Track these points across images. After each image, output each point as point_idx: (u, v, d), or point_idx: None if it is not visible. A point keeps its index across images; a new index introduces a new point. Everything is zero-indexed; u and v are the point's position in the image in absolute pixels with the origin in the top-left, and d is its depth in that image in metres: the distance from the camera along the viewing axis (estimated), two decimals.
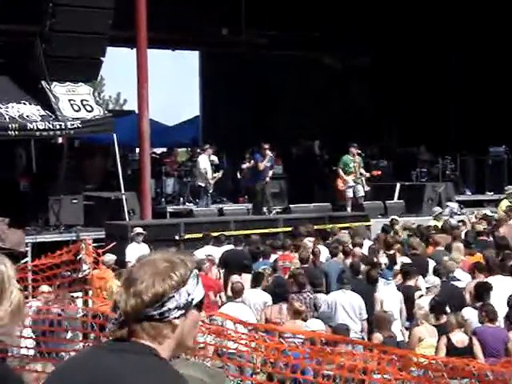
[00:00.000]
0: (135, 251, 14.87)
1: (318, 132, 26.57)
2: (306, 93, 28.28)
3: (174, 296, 2.63)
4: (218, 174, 21.40)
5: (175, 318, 2.64)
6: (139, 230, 15.39)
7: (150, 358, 2.60)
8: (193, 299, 2.67)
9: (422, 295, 11.41)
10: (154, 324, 2.63)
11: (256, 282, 12.12)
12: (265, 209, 20.98)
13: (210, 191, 20.95)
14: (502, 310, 10.42)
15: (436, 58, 26.96)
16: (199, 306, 2.72)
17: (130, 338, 2.64)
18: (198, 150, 22.38)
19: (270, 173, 21.22)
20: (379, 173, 23.10)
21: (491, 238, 15.69)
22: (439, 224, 17.66)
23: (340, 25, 27.24)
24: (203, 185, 20.79)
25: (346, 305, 11.44)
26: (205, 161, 20.81)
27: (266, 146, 21.03)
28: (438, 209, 19.96)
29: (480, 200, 24.14)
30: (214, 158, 22.63)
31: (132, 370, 2.56)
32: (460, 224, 17.72)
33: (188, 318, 2.67)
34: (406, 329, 11.37)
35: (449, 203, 21.86)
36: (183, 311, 2.65)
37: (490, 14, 25.53)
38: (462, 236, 15.73)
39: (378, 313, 10.82)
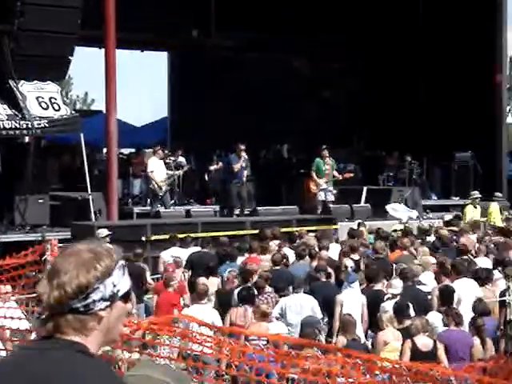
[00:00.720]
0: None
1: (287, 135, 26.64)
2: (275, 95, 28.33)
3: (98, 287, 2.57)
4: (176, 173, 21.00)
5: (100, 309, 2.58)
6: (105, 232, 15.28)
7: (78, 356, 2.52)
8: (118, 290, 2.62)
9: (388, 298, 11.47)
10: (79, 317, 2.56)
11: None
12: (237, 210, 20.78)
13: (161, 194, 20.13)
14: (467, 315, 10.50)
15: (404, 63, 27.18)
16: (125, 298, 2.66)
17: (55, 332, 2.57)
18: (147, 151, 21.83)
19: (245, 173, 20.85)
20: (351, 175, 23.25)
21: (454, 244, 15.84)
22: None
23: (313, 28, 27.37)
24: (152, 188, 20.12)
25: (297, 307, 11.44)
26: (153, 163, 20.11)
27: (242, 147, 20.58)
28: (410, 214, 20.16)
29: (446, 205, 24.34)
30: (182, 160, 22.61)
31: (57, 369, 2.49)
32: (427, 228, 17.88)
33: (114, 310, 2.62)
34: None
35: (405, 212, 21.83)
36: (108, 303, 2.59)
37: (456, 19, 25.79)
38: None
39: (343, 316, 10.85)
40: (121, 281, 2.63)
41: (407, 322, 10.25)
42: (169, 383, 3.86)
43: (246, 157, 20.71)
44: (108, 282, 2.59)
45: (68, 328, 2.56)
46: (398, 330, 10.27)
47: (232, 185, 20.66)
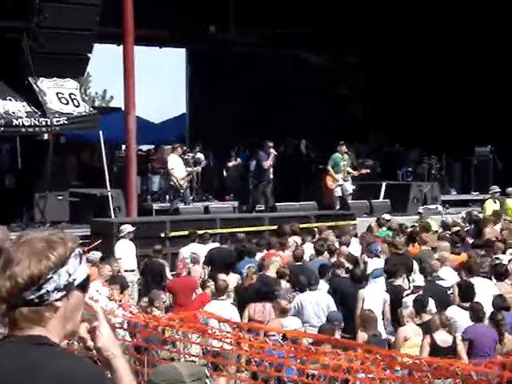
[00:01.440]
0: (124, 248, 14.90)
1: (306, 131, 26.60)
2: (293, 91, 28.31)
3: (52, 277, 2.45)
4: (194, 169, 21.02)
5: (56, 300, 2.47)
6: (129, 228, 15.31)
7: (37, 348, 2.42)
8: (74, 279, 2.50)
9: (408, 294, 11.44)
10: (34, 309, 2.44)
11: None
12: (258, 207, 20.83)
13: (182, 191, 20.11)
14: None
15: (422, 57, 27.06)
16: (83, 287, 2.56)
17: (13, 328, 2.45)
18: (166, 148, 21.77)
19: (272, 171, 20.93)
20: (368, 170, 23.18)
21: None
22: (434, 224, 17.72)
23: (328, 24, 27.30)
24: (173, 185, 20.05)
25: (313, 304, 11.41)
26: (173, 160, 20.06)
27: (271, 144, 20.72)
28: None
29: (465, 200, 24.22)
30: (200, 156, 22.63)
31: (18, 366, 2.39)
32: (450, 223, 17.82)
33: (70, 300, 2.51)
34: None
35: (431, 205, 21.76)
36: (64, 292, 2.48)
37: (475, 14, 25.64)
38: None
39: (363, 311, 10.83)
40: (77, 270, 2.52)
41: (427, 317, 10.22)
42: (182, 375, 3.94)
43: (275, 153, 20.77)
44: (62, 272, 2.47)
45: (24, 322, 2.45)
46: (418, 325, 10.25)
47: (260, 182, 20.81)
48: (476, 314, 10.01)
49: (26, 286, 2.43)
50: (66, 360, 2.45)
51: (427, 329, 9.78)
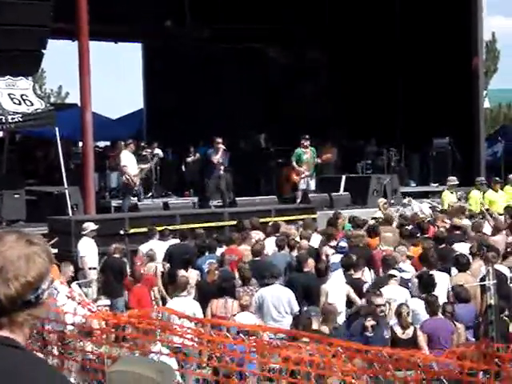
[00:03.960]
0: (87, 246, 14.73)
1: (264, 125, 26.58)
2: (251, 86, 28.27)
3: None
4: (145, 166, 20.82)
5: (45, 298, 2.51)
6: (92, 226, 15.09)
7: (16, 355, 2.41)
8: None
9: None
10: (29, 310, 2.45)
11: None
12: (215, 202, 20.75)
13: (136, 188, 19.92)
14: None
15: (381, 51, 27.15)
16: None
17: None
18: (123, 143, 21.58)
19: (222, 167, 20.81)
20: (329, 156, 23.25)
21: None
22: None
23: (289, 20, 27.34)
24: (126, 182, 19.74)
25: (273, 299, 11.38)
26: (126, 157, 19.76)
27: (219, 140, 20.67)
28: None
29: (425, 191, 24.37)
30: (159, 151, 22.46)
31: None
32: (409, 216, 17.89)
33: None
34: None
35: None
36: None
37: (433, 10, 25.80)
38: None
39: (324, 305, 10.82)
40: None
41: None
42: (154, 379, 3.80)
43: (224, 149, 20.68)
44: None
45: (9, 324, 2.44)
46: None
47: (210, 178, 20.72)
48: (431, 307, 10.05)
49: (35, 285, 2.44)
50: (43, 366, 2.46)
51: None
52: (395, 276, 11.43)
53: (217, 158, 20.57)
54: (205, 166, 21.75)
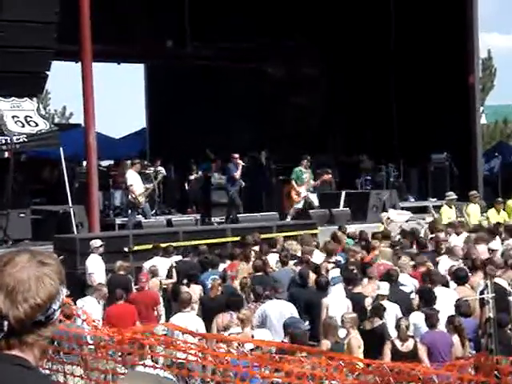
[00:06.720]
0: (95, 263, 14.96)
1: (264, 142, 26.81)
2: (252, 104, 28.49)
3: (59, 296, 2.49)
4: (150, 186, 21.10)
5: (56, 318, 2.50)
6: (98, 243, 15.35)
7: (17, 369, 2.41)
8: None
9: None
10: (39, 330, 2.44)
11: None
12: (218, 219, 21.17)
13: (142, 206, 20.20)
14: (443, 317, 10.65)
15: (377, 67, 27.40)
16: None
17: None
18: (127, 162, 21.90)
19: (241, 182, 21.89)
20: (330, 176, 23.48)
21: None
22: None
23: (287, 36, 27.61)
24: (131, 200, 20.08)
25: (276, 314, 11.50)
26: (132, 176, 20.09)
27: (237, 156, 21.54)
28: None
29: (423, 206, 24.55)
30: (161, 169, 22.68)
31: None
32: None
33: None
34: None
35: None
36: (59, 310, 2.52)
37: (429, 22, 26.06)
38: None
39: (324, 319, 10.99)
40: None
41: (378, 322, 10.48)
42: None
43: (243, 163, 21.71)
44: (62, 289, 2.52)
45: (18, 344, 2.43)
46: (369, 330, 10.49)
47: (232, 193, 21.56)
48: (429, 320, 10.22)
49: (44, 307, 2.43)
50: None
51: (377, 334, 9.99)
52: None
53: (238, 173, 21.52)
54: (227, 182, 22.09)
